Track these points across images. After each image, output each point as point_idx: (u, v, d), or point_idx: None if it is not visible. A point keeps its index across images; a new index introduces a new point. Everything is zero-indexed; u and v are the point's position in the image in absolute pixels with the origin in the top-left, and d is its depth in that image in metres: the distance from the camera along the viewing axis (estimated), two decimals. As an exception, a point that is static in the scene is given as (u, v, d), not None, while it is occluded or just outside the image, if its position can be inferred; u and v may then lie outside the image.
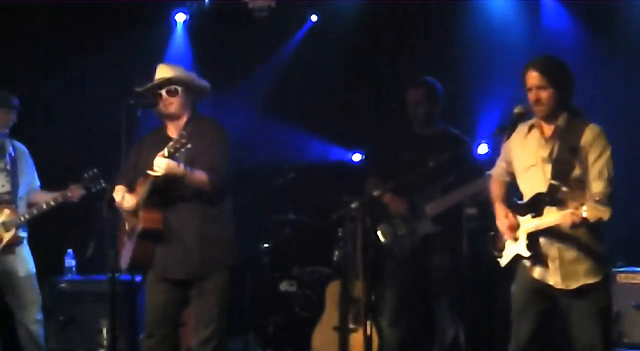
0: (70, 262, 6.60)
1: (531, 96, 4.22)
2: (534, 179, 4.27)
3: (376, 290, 5.63)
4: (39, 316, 5.90)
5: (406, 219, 5.48)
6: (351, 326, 5.86)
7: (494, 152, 6.38)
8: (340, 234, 6.35)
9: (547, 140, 4.27)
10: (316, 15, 7.58)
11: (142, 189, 4.68)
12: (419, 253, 5.46)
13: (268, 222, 7.00)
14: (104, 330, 6.26)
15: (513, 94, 6.58)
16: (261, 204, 6.79)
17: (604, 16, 6.77)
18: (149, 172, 4.58)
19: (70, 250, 6.59)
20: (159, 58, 7.52)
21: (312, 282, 6.81)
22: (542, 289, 4.30)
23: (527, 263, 4.34)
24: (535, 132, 4.31)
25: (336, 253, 6.43)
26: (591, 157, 4.13)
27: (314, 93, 7.46)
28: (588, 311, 4.22)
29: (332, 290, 6.11)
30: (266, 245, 6.86)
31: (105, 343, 6.25)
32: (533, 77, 4.19)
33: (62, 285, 6.49)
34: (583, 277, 4.21)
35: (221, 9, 7.49)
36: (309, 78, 7.44)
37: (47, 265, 6.20)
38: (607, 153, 4.13)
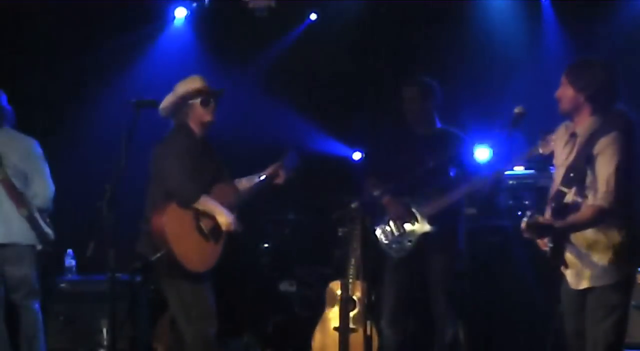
0: (70, 261, 6.60)
1: (557, 92, 4.24)
2: (556, 181, 4.24)
3: (376, 290, 5.63)
4: None
5: (405, 219, 5.48)
6: (351, 326, 5.86)
7: (495, 152, 6.41)
8: (340, 234, 6.36)
9: (567, 142, 4.24)
10: (315, 14, 7.59)
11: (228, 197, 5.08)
12: (418, 253, 5.46)
13: (268, 222, 7.01)
14: (104, 330, 6.26)
15: (513, 94, 6.64)
16: (261, 204, 6.79)
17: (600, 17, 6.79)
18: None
19: (70, 250, 6.58)
20: (159, 57, 7.56)
21: (312, 282, 6.81)
22: (574, 291, 4.30)
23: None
24: (566, 132, 4.28)
25: (336, 253, 6.44)
26: (597, 166, 4.07)
27: (314, 93, 7.47)
28: (595, 309, 4.20)
29: (332, 290, 6.11)
30: (266, 245, 6.86)
31: (105, 343, 6.25)
32: (563, 75, 4.21)
33: (62, 285, 6.48)
34: (593, 279, 4.16)
35: (221, 8, 7.49)
36: (308, 77, 7.45)
37: (47, 265, 6.20)
38: (614, 162, 4.04)
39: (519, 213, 6.27)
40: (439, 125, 5.65)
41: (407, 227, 5.46)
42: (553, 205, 4.14)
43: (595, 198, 4.05)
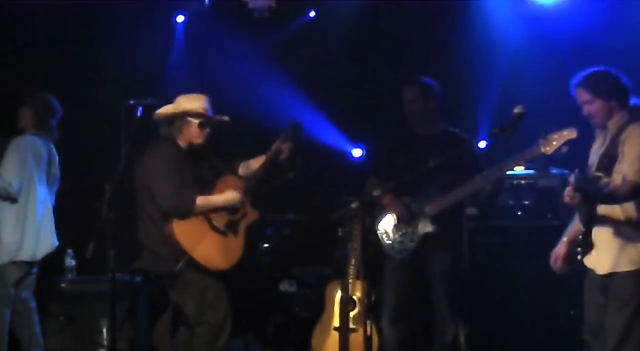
0: (70, 261, 6.59)
1: (584, 111, 4.51)
2: (591, 170, 4.48)
3: (376, 290, 5.63)
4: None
5: (406, 219, 5.48)
6: (351, 326, 5.86)
7: (493, 151, 6.41)
8: (340, 234, 6.35)
9: (598, 134, 4.56)
10: (315, 12, 7.59)
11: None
12: (419, 253, 5.45)
13: (268, 222, 7.00)
14: (104, 330, 6.26)
15: (513, 94, 6.63)
16: (261, 204, 6.79)
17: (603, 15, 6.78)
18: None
19: (70, 250, 6.58)
20: (159, 58, 7.55)
21: (312, 282, 6.81)
22: (595, 281, 4.42)
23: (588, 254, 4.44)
24: (600, 134, 4.58)
25: (336, 253, 6.44)
26: (625, 149, 4.33)
27: (315, 93, 7.46)
28: (613, 297, 4.32)
29: (332, 290, 6.11)
30: (266, 245, 6.86)
31: (105, 343, 6.25)
32: (580, 94, 4.50)
33: (62, 285, 6.48)
34: (613, 264, 4.32)
35: (221, 9, 7.49)
36: (309, 77, 7.44)
37: (47, 265, 6.19)
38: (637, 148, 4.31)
39: (519, 213, 6.29)
40: (441, 125, 5.64)
41: (409, 227, 5.46)
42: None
43: (627, 175, 4.27)
